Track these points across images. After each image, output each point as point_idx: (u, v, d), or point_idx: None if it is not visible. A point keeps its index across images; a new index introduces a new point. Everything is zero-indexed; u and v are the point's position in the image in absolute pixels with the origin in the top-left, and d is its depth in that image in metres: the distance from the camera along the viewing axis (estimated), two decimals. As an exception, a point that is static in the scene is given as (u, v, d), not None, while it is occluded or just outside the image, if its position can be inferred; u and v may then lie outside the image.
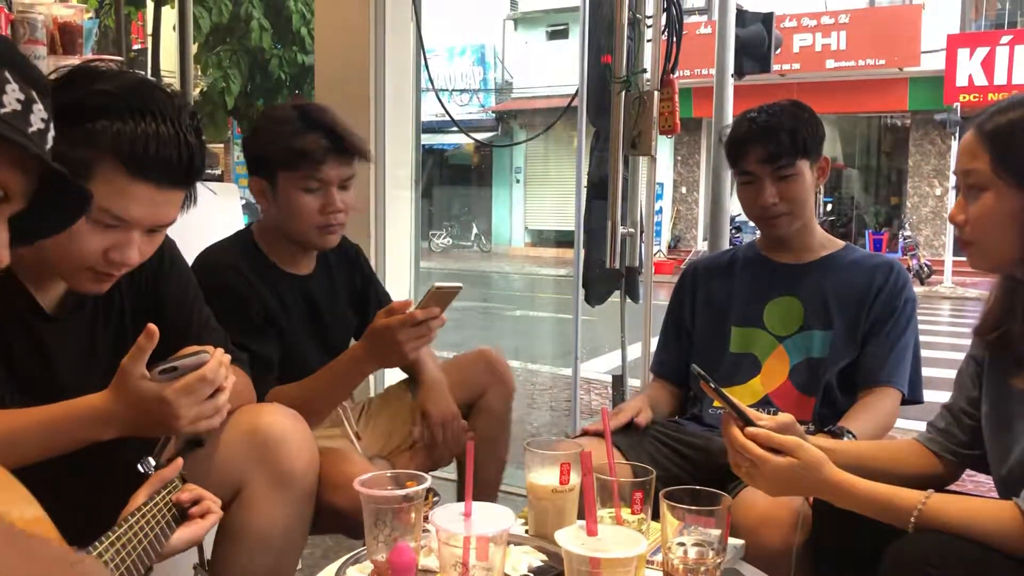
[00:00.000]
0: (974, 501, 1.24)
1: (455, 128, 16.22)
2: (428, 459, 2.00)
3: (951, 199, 15.38)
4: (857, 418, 1.81)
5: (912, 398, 1.91)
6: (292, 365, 1.86)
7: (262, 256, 1.94)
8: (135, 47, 12.83)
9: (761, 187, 1.91)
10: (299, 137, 1.84)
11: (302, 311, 1.97)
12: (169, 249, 1.54)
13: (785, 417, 1.37)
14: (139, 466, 1.22)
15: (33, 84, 0.94)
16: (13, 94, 0.91)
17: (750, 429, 1.33)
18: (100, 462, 1.36)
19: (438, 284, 1.69)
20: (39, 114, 0.94)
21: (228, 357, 1.30)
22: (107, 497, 1.21)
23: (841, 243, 2.03)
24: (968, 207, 1.32)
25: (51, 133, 0.97)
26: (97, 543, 1.03)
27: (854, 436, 1.69)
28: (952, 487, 1.48)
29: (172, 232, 1.54)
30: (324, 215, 1.87)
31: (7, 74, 0.91)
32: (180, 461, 1.25)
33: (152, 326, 1.17)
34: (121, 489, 1.23)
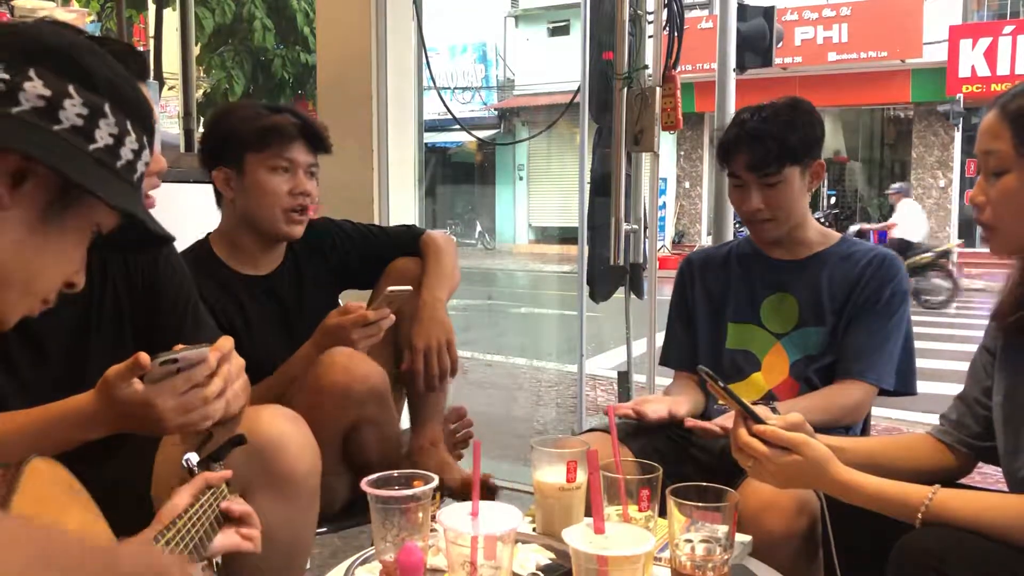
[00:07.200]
0: (981, 495, 1.24)
1: (457, 126, 16.28)
2: (415, 385, 1.99)
3: (955, 190, 15.39)
4: (805, 399, 1.84)
5: (903, 390, 1.90)
6: (261, 365, 1.83)
7: (217, 261, 1.95)
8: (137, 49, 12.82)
9: (748, 192, 1.91)
10: (268, 117, 1.90)
11: (267, 311, 1.98)
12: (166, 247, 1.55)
13: (794, 416, 1.37)
14: (183, 462, 1.22)
15: (145, 128, 0.97)
16: (130, 145, 0.94)
17: (757, 426, 1.33)
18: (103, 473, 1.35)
19: (391, 288, 1.80)
20: (144, 158, 0.98)
21: (230, 343, 1.29)
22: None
23: (837, 236, 2.02)
24: (988, 189, 1.29)
25: (143, 160, 1.00)
26: (153, 541, 1.03)
27: (777, 411, 1.53)
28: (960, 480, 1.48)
29: (173, 230, 1.55)
30: (293, 197, 1.90)
31: (129, 124, 0.94)
32: (229, 472, 1.24)
33: (144, 356, 1.15)
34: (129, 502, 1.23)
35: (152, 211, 1.40)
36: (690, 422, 1.80)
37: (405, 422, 2.10)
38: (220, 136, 1.93)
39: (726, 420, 1.76)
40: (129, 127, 0.94)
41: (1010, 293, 1.38)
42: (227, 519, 1.23)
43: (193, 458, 1.22)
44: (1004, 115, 1.26)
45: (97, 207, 0.93)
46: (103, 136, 0.91)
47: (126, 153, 0.94)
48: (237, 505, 1.23)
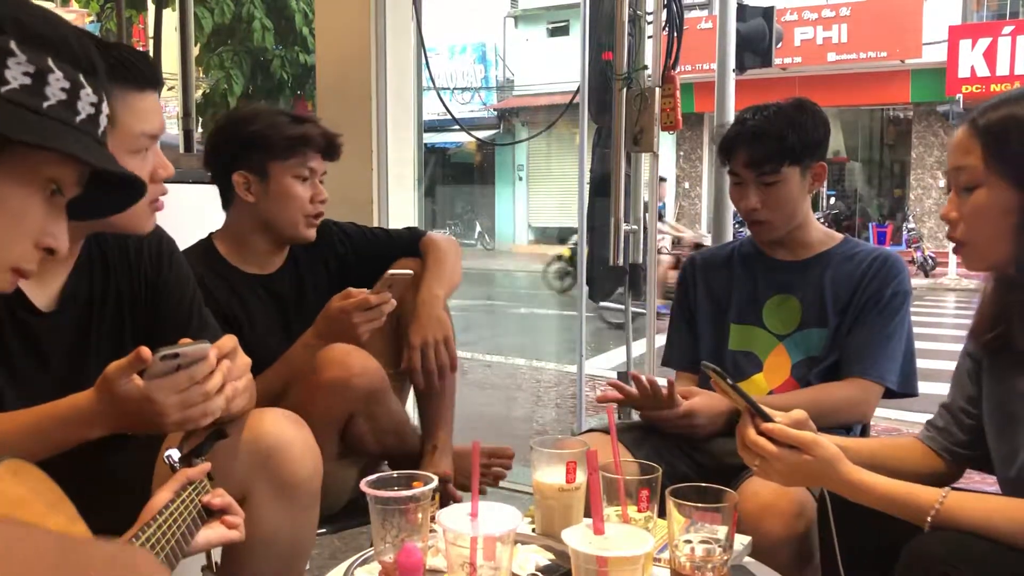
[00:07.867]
0: (993, 500, 1.23)
1: (457, 126, 16.31)
2: (415, 383, 2.00)
3: (954, 191, 15.38)
4: (792, 395, 1.85)
5: (905, 391, 1.90)
6: (260, 361, 1.82)
7: (220, 259, 1.97)
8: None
9: (746, 190, 1.92)
10: (294, 127, 1.94)
11: (268, 310, 1.99)
12: (169, 246, 1.55)
13: (799, 414, 1.37)
14: (164, 459, 1.22)
15: (77, 64, 0.93)
16: (57, 83, 0.90)
17: (766, 425, 1.32)
18: (97, 466, 1.35)
19: (391, 271, 1.81)
20: (87, 99, 0.93)
21: (232, 341, 1.28)
22: (109, 499, 1.21)
23: (839, 237, 2.02)
24: (960, 205, 1.29)
25: (104, 113, 0.96)
26: (132, 540, 1.03)
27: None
28: (961, 483, 1.47)
29: (173, 230, 1.56)
30: (314, 204, 1.96)
31: (50, 61, 0.89)
32: (208, 465, 1.24)
33: (145, 350, 1.14)
34: (122, 491, 1.23)
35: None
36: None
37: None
38: (241, 142, 1.94)
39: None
40: (52, 65, 0.89)
41: (985, 310, 1.38)
42: (211, 513, 1.23)
43: (174, 454, 1.22)
44: (974, 130, 1.26)
45: (39, 157, 0.88)
46: (15, 76, 0.86)
47: (54, 93, 0.89)
48: (218, 498, 1.23)
